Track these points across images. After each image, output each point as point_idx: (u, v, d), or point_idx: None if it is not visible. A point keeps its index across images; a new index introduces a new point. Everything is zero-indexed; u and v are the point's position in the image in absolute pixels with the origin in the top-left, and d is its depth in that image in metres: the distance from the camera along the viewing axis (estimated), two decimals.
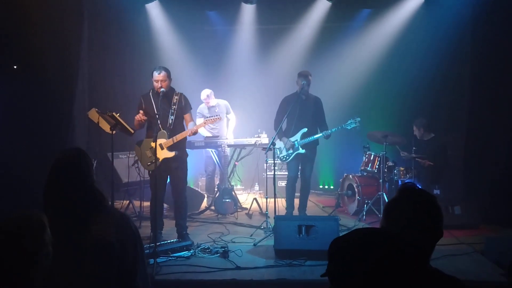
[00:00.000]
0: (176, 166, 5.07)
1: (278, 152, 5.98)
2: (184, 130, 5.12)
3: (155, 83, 4.98)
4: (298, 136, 5.93)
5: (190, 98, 5.30)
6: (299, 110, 5.90)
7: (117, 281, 2.15)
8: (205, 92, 7.00)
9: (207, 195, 7.24)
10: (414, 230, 1.59)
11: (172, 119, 5.02)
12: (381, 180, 6.30)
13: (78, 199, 2.18)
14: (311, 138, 5.89)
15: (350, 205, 6.85)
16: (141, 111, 5.02)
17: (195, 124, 5.24)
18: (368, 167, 6.67)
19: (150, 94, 5.08)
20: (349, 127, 5.88)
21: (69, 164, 2.23)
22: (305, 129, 5.91)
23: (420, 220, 1.63)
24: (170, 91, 5.10)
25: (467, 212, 5.81)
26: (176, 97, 5.08)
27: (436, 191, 6.41)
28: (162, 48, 8.05)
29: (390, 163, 6.53)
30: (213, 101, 7.08)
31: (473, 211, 5.85)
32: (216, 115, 5.38)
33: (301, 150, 5.89)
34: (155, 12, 7.78)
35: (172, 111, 5.02)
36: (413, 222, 1.62)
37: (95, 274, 2.11)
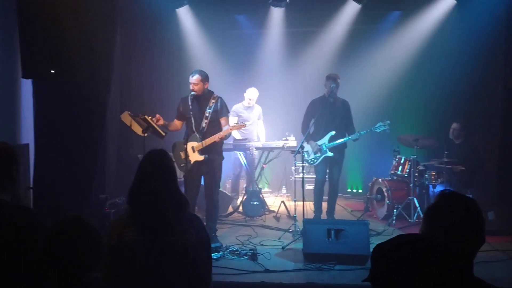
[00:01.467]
0: (209, 169, 5.12)
1: (306, 156, 5.96)
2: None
3: (190, 87, 5.08)
4: (326, 139, 5.90)
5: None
6: (327, 113, 5.88)
7: (190, 284, 2.20)
8: (255, 92, 7.04)
9: (233, 197, 7.28)
10: (456, 236, 1.58)
11: (206, 123, 5.07)
12: (411, 185, 6.20)
13: (165, 200, 2.24)
14: (339, 141, 5.86)
15: (379, 209, 6.77)
16: (157, 115, 5.14)
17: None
18: (398, 171, 6.58)
19: (189, 97, 5.12)
20: (378, 130, 5.82)
21: (158, 166, 2.30)
22: (333, 132, 5.88)
23: (462, 226, 1.61)
24: (208, 94, 5.15)
25: (501, 218, 5.66)
26: (212, 101, 5.11)
27: (468, 196, 6.27)
28: (191, 52, 8.17)
29: (420, 167, 6.43)
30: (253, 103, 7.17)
31: (508, 216, 5.69)
32: (242, 122, 5.35)
33: (329, 153, 5.86)
34: (185, 17, 7.90)
35: (207, 114, 5.07)
36: (455, 228, 1.60)
37: (174, 274, 2.16)
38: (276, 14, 7.97)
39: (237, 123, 5.28)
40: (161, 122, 5.18)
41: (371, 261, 1.21)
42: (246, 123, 6.77)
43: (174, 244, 2.18)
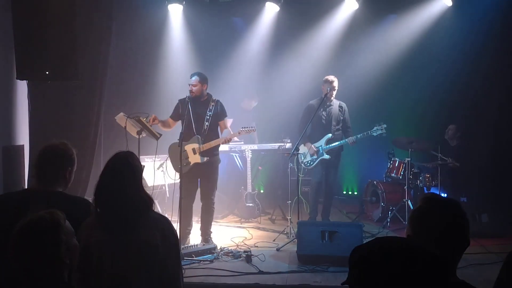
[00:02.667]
0: (207, 171, 5.14)
1: (302, 158, 5.97)
2: (217, 137, 5.18)
3: (189, 87, 5.10)
4: (322, 141, 5.92)
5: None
6: (324, 116, 5.90)
7: (160, 285, 2.22)
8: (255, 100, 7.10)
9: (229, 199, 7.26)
10: (441, 239, 1.58)
11: (207, 125, 5.10)
12: (406, 187, 6.23)
13: (130, 200, 2.25)
14: (336, 144, 5.87)
15: (374, 211, 6.79)
16: (153, 115, 5.14)
17: (230, 131, 5.31)
18: (393, 173, 6.61)
19: (187, 99, 5.12)
20: (375, 134, 5.83)
21: (124, 165, 2.32)
22: (330, 135, 5.90)
23: (446, 229, 1.62)
24: (207, 97, 5.19)
25: (495, 220, 5.69)
26: (212, 104, 5.15)
27: (463, 199, 6.29)
28: (187, 52, 8.13)
29: (415, 170, 6.45)
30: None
31: (501, 219, 5.72)
32: (252, 127, 5.23)
33: (326, 156, 5.88)
34: (178, 16, 7.85)
35: (208, 117, 5.10)
36: (440, 231, 1.61)
37: (139, 274, 2.18)
38: (272, 15, 7.96)
39: (246, 128, 5.16)
40: (157, 122, 5.18)
41: (349, 264, 1.20)
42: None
43: (139, 244, 2.20)
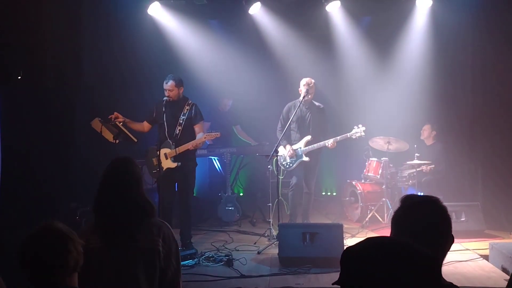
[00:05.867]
0: (182, 176, 5.07)
1: (282, 160, 5.96)
2: (191, 140, 5.10)
3: (165, 92, 5.00)
4: (301, 143, 5.92)
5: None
6: (302, 118, 5.91)
7: None
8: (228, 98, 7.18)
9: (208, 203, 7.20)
10: (424, 237, 1.59)
11: (179, 129, 5.02)
12: (384, 187, 6.29)
13: (130, 206, 2.23)
14: (314, 146, 5.87)
15: (353, 211, 6.84)
16: (115, 113, 5.05)
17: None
18: (370, 173, 6.67)
19: (163, 102, 5.05)
20: (353, 137, 5.84)
21: (122, 172, 2.29)
22: (309, 137, 5.89)
23: (429, 226, 1.63)
24: (182, 101, 5.10)
25: (471, 218, 5.80)
26: (187, 107, 5.06)
27: (440, 197, 6.39)
28: (165, 55, 8.05)
29: (392, 170, 6.53)
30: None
31: (478, 217, 5.83)
32: (216, 132, 5.11)
33: (305, 158, 5.87)
34: (157, 17, 7.77)
35: (181, 121, 5.02)
36: (422, 230, 1.62)
37: (140, 281, 2.14)
38: (251, 17, 7.96)
39: (211, 133, 5.07)
40: (121, 119, 5.05)
41: (340, 264, 1.20)
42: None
43: (139, 251, 2.17)
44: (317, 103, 6.06)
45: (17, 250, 1.75)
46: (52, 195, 5.18)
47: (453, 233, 1.72)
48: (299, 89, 5.97)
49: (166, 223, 2.44)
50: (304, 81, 5.94)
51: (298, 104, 5.92)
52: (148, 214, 2.27)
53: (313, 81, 5.95)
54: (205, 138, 5.05)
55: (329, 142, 5.79)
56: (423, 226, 1.63)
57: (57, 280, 1.74)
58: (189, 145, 4.93)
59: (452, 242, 1.68)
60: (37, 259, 1.73)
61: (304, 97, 5.86)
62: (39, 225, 1.80)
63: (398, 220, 1.69)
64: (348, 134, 5.84)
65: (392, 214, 1.73)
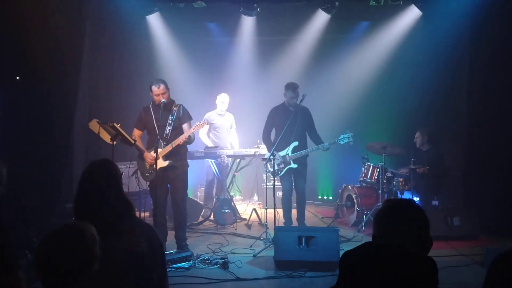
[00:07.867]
0: (174, 177, 5.10)
1: (269, 166, 5.92)
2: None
3: (155, 97, 5.05)
4: (289, 150, 5.88)
5: (190, 108, 5.32)
6: (288, 123, 5.72)
7: None
8: (226, 97, 7.14)
9: (205, 205, 7.20)
10: (407, 240, 1.62)
11: (169, 130, 5.09)
12: (380, 191, 6.31)
13: (109, 206, 2.23)
14: (302, 152, 5.84)
15: (349, 216, 6.86)
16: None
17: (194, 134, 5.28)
18: (367, 178, 6.69)
19: (150, 106, 5.15)
20: (342, 142, 5.82)
21: (100, 173, 2.30)
22: (296, 143, 5.85)
23: (409, 229, 1.66)
24: (170, 103, 5.16)
25: (466, 223, 5.81)
26: (175, 108, 5.15)
27: (435, 202, 6.42)
28: (162, 59, 8.10)
29: (389, 174, 6.56)
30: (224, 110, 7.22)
31: (473, 221, 5.85)
32: (204, 121, 5.34)
33: (293, 165, 5.84)
34: (155, 24, 7.82)
35: (170, 122, 5.09)
36: (403, 232, 1.65)
37: (124, 284, 2.14)
38: (247, 22, 8.00)
39: (197, 123, 5.22)
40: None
41: (339, 268, 1.22)
42: (218, 129, 6.77)
43: (120, 252, 2.17)
44: (302, 106, 5.90)
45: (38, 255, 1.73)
46: (50, 195, 5.18)
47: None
48: (284, 93, 5.97)
49: (150, 224, 2.46)
50: (288, 85, 5.94)
51: (283, 108, 5.92)
52: (129, 214, 2.28)
53: (297, 85, 5.94)
54: (194, 129, 5.15)
55: (323, 148, 5.77)
56: (402, 226, 1.67)
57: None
58: (179, 140, 5.00)
59: (431, 245, 1.71)
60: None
61: (288, 102, 5.86)
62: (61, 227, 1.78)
63: (380, 219, 1.76)
64: (336, 140, 5.82)
65: (376, 213, 1.82)
